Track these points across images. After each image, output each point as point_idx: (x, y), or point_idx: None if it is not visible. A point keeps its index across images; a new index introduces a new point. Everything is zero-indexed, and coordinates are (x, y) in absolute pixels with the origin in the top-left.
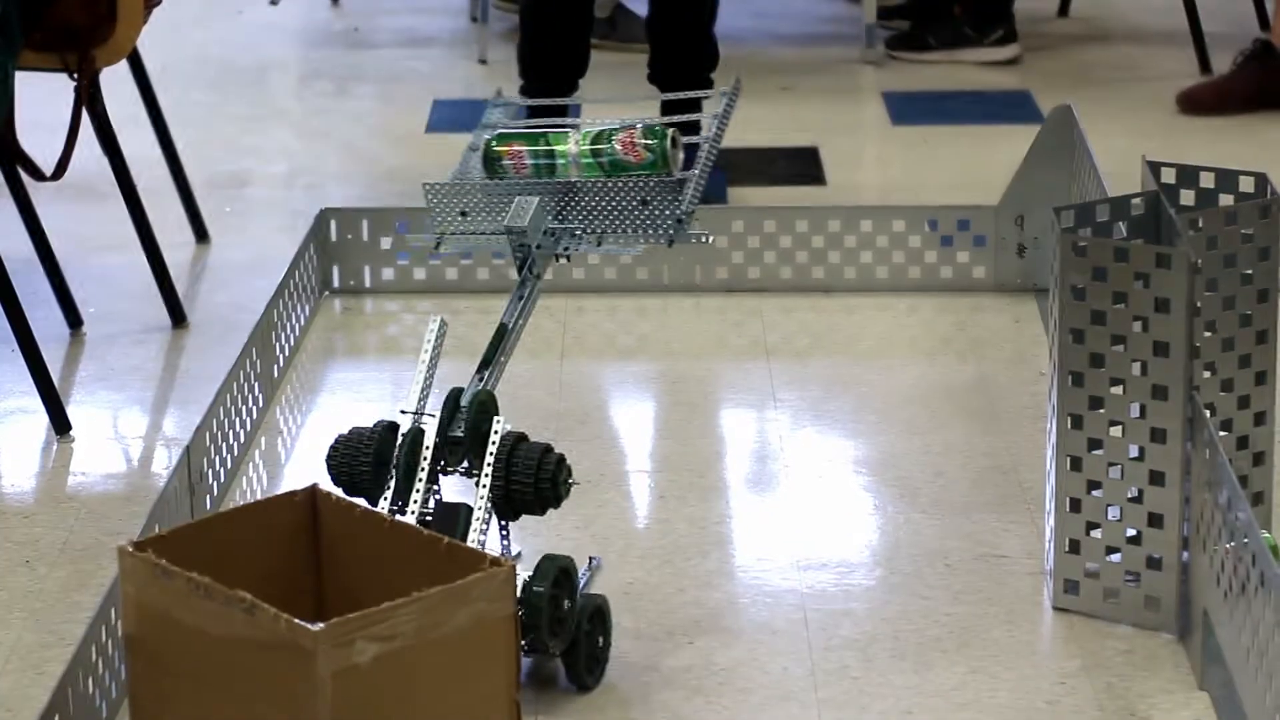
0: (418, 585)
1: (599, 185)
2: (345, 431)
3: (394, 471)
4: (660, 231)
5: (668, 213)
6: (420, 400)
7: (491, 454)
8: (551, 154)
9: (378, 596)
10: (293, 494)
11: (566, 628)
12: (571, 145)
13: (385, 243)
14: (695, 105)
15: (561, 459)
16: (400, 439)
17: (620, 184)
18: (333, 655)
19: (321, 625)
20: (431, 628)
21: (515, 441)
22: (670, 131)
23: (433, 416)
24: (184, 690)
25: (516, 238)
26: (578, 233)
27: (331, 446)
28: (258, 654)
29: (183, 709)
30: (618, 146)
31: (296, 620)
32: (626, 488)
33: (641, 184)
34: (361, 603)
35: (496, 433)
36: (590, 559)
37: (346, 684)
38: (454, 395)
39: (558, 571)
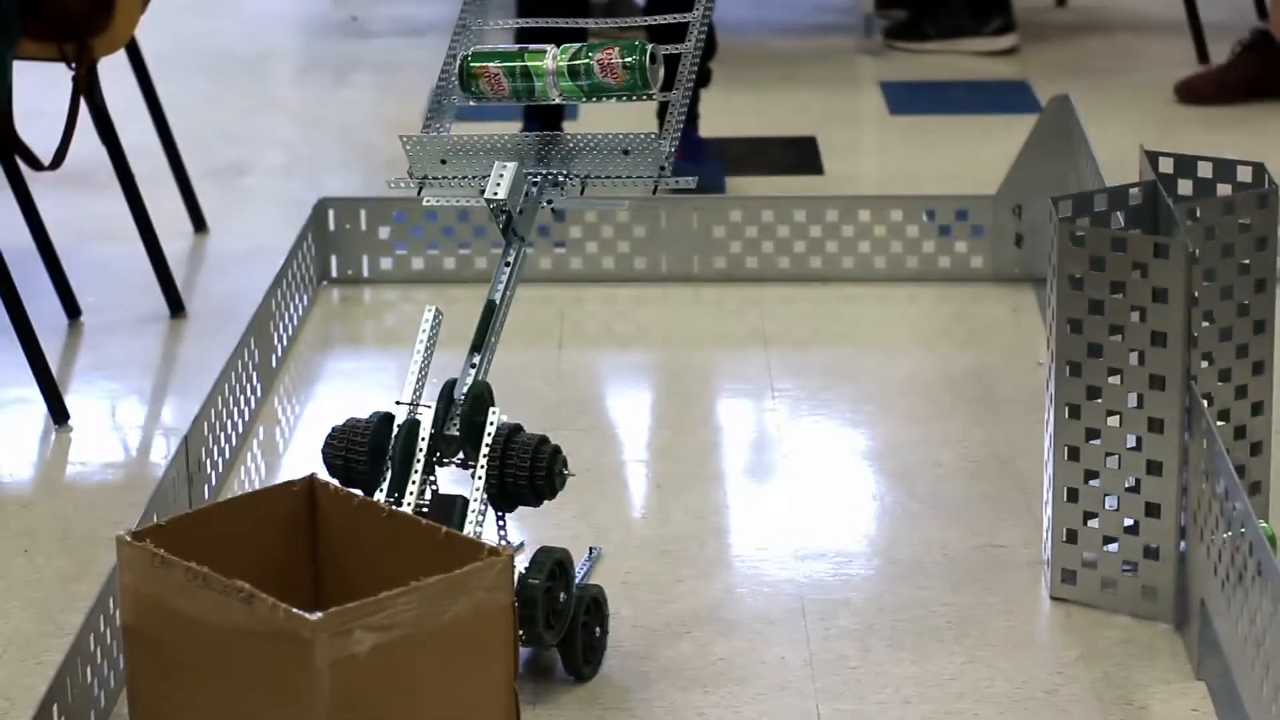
0: (416, 575)
1: (578, 138)
2: (341, 423)
3: (390, 463)
4: (645, 177)
5: (650, 160)
6: (416, 391)
7: (487, 445)
8: (529, 74)
9: (376, 586)
10: (291, 484)
11: (563, 620)
12: (549, 62)
13: (383, 232)
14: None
15: (557, 450)
16: (396, 430)
17: (600, 138)
18: (331, 645)
19: (319, 615)
20: (430, 617)
21: (511, 433)
22: (649, 48)
23: (428, 407)
24: (182, 680)
25: (496, 207)
26: (560, 180)
27: (327, 438)
28: (256, 643)
29: (181, 698)
30: (596, 68)
31: (294, 610)
32: (625, 478)
33: (623, 137)
34: (360, 592)
35: (492, 424)
36: (590, 549)
37: (344, 674)
38: (449, 386)
39: (553, 564)
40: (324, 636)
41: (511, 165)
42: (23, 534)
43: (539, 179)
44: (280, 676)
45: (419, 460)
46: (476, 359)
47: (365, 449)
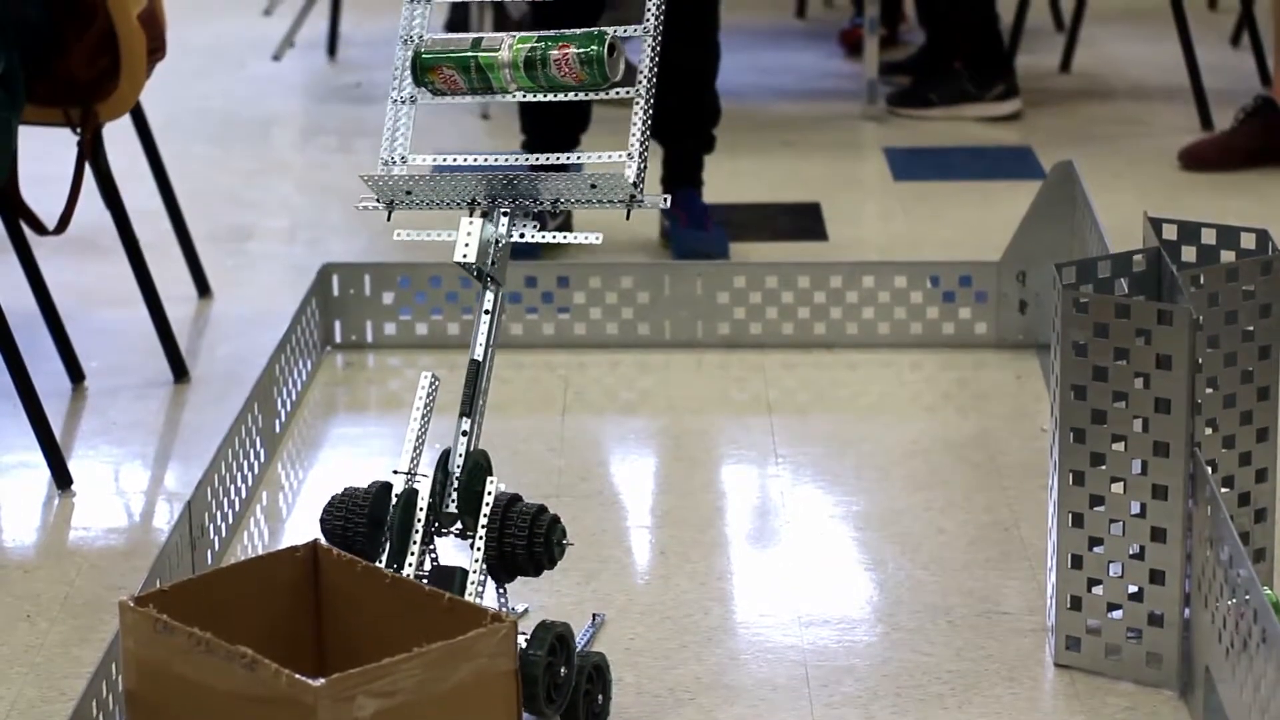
0: (419, 641)
1: (543, 175)
2: (339, 492)
3: (389, 533)
4: (615, 203)
5: (618, 189)
6: (413, 460)
7: (485, 516)
8: (484, 70)
9: (379, 652)
10: (294, 549)
11: (564, 693)
12: (504, 53)
13: (387, 298)
14: (696, 166)
15: (555, 519)
16: (394, 500)
17: (567, 178)
18: (334, 710)
19: (322, 680)
20: (433, 683)
21: (509, 503)
22: (608, 37)
23: (426, 476)
24: None
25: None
26: (530, 209)
27: (326, 507)
28: (259, 709)
29: None
30: (554, 69)
31: (297, 675)
32: (628, 544)
33: (590, 174)
34: (363, 658)
35: (490, 494)
36: (594, 616)
37: None
38: (445, 456)
39: (553, 639)
40: (327, 702)
41: (478, 222)
42: (26, 599)
43: (509, 210)
44: None
45: (417, 530)
46: (467, 425)
47: (364, 519)
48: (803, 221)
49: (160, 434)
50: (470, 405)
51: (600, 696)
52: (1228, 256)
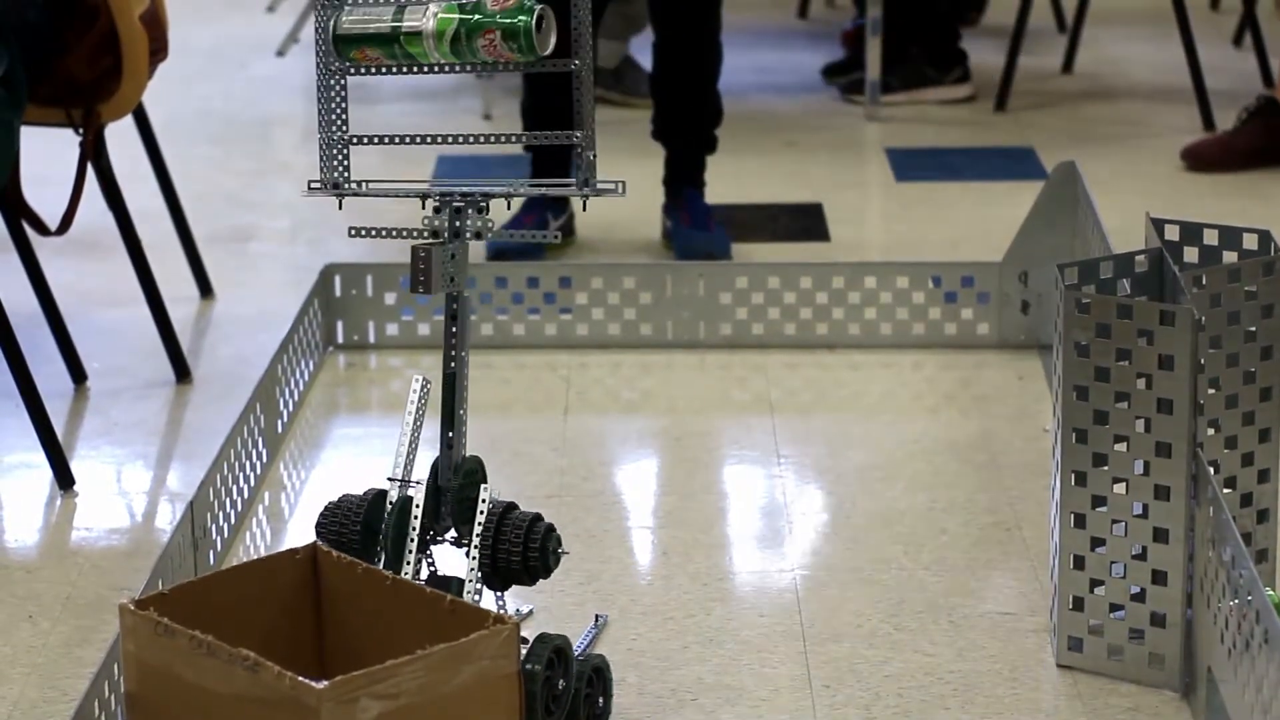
0: (421, 643)
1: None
2: (334, 500)
3: (384, 541)
4: (572, 188)
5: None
6: (406, 466)
7: (480, 524)
8: (408, 50)
9: (381, 654)
10: (294, 551)
11: (562, 704)
12: (429, 23)
13: (389, 298)
14: (698, 166)
15: (550, 529)
16: (389, 508)
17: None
18: (337, 713)
19: (325, 683)
20: (436, 685)
21: (504, 511)
22: (537, 9)
23: (420, 484)
24: None
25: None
26: (483, 204)
27: (321, 514)
28: (261, 712)
29: None
30: (482, 52)
31: (300, 678)
32: (630, 544)
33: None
34: (364, 660)
35: (484, 501)
36: (596, 617)
37: None
38: (437, 465)
39: (551, 652)
40: (330, 704)
41: (436, 249)
42: (28, 599)
43: (462, 204)
44: None
45: (413, 539)
46: (450, 434)
47: (359, 526)
48: (805, 222)
49: (162, 434)
50: (450, 418)
51: (601, 699)
52: (1230, 257)
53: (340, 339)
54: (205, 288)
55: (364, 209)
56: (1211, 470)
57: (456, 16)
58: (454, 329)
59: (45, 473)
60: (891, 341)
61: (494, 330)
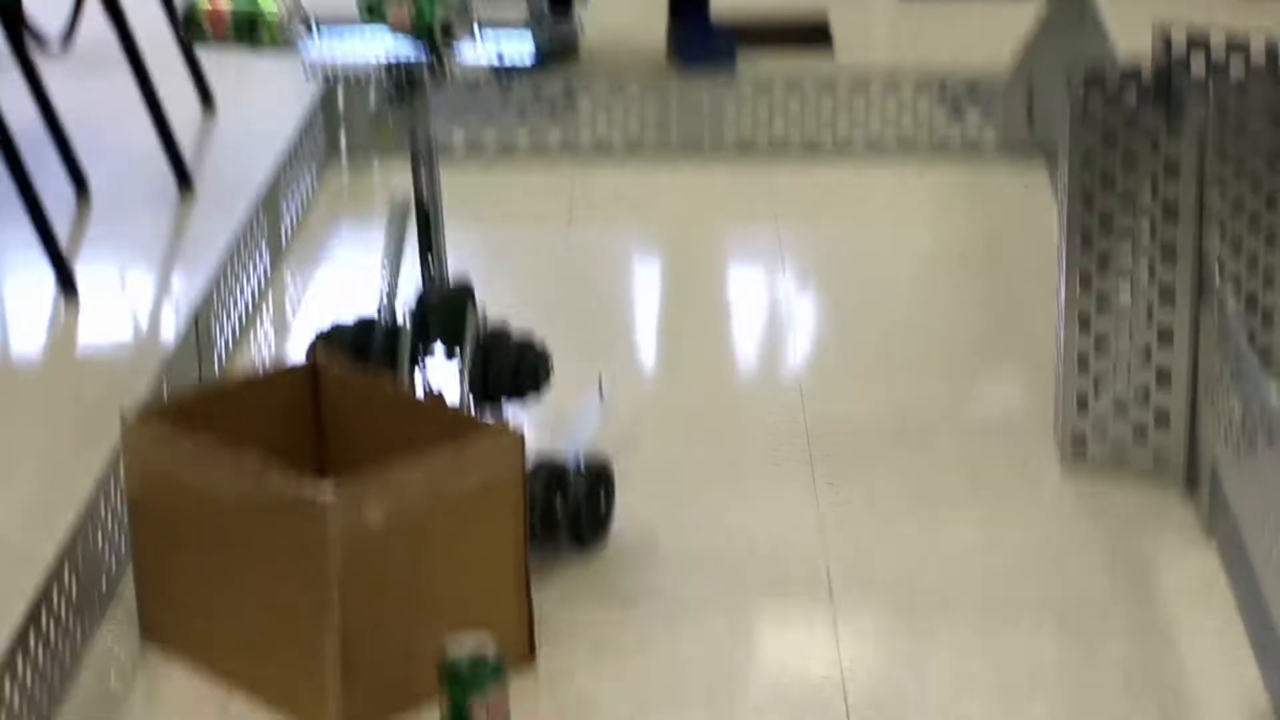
0: (424, 452)
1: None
2: (326, 328)
3: (374, 366)
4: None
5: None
6: (389, 292)
7: (469, 346)
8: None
9: (383, 464)
10: (294, 365)
11: (555, 520)
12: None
13: None
14: None
15: (541, 357)
16: (377, 335)
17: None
18: (344, 518)
19: (334, 486)
20: (439, 491)
21: (495, 334)
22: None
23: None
24: (189, 552)
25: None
26: (433, 64)
27: (310, 344)
28: (267, 516)
29: (188, 571)
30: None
31: (309, 482)
32: (635, 350)
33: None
34: (365, 467)
35: (472, 323)
36: (599, 381)
37: (357, 545)
38: (423, 296)
39: (549, 475)
40: (338, 508)
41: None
42: (35, 403)
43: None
44: (293, 548)
45: (404, 362)
46: (431, 261)
47: (350, 353)
48: (811, 36)
49: (166, 243)
50: (429, 247)
51: (604, 501)
52: (1237, 64)
53: (343, 149)
54: (207, 100)
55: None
56: (1217, 272)
57: None
58: (422, 169)
59: (49, 281)
60: (897, 150)
61: (497, 137)
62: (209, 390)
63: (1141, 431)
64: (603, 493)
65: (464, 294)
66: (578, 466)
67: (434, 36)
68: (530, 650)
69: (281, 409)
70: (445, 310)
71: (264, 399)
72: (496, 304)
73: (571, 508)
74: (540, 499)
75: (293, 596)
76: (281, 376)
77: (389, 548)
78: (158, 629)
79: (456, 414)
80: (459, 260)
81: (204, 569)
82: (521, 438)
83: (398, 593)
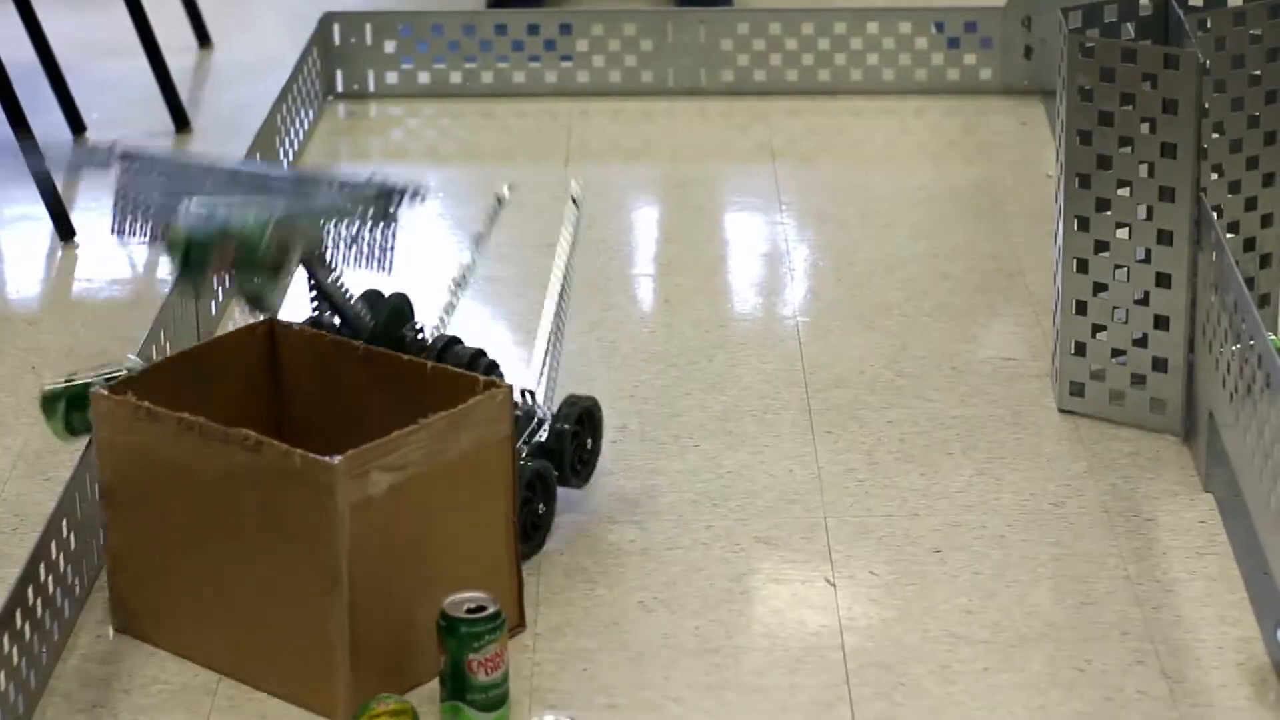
0: (406, 412)
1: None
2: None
3: None
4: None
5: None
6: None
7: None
8: None
9: (354, 425)
10: (252, 326)
11: (591, 465)
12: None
13: (389, 46)
14: None
15: (492, 365)
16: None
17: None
18: (350, 488)
19: (339, 457)
20: (438, 454)
21: (445, 346)
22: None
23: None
24: (172, 536)
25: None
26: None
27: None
28: (259, 492)
29: (171, 556)
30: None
31: (312, 454)
32: (632, 291)
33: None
34: (329, 433)
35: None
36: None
37: (363, 516)
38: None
39: (580, 412)
40: (344, 480)
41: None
42: (30, 351)
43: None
44: (296, 522)
45: None
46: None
47: None
48: None
49: None
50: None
51: (590, 441)
52: (1235, 0)
53: (340, 88)
54: (203, 37)
55: None
56: (1215, 215)
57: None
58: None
59: (45, 224)
60: (894, 87)
61: (494, 78)
62: (175, 357)
63: (1139, 377)
64: (588, 435)
65: (403, 308)
66: (558, 410)
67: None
68: (521, 620)
69: (241, 371)
70: (381, 325)
71: (223, 362)
72: (491, 245)
73: (553, 447)
74: (570, 435)
75: (295, 573)
76: (240, 338)
77: (392, 516)
78: (136, 620)
79: (435, 369)
80: (456, 200)
81: (189, 552)
82: (510, 392)
83: (400, 563)
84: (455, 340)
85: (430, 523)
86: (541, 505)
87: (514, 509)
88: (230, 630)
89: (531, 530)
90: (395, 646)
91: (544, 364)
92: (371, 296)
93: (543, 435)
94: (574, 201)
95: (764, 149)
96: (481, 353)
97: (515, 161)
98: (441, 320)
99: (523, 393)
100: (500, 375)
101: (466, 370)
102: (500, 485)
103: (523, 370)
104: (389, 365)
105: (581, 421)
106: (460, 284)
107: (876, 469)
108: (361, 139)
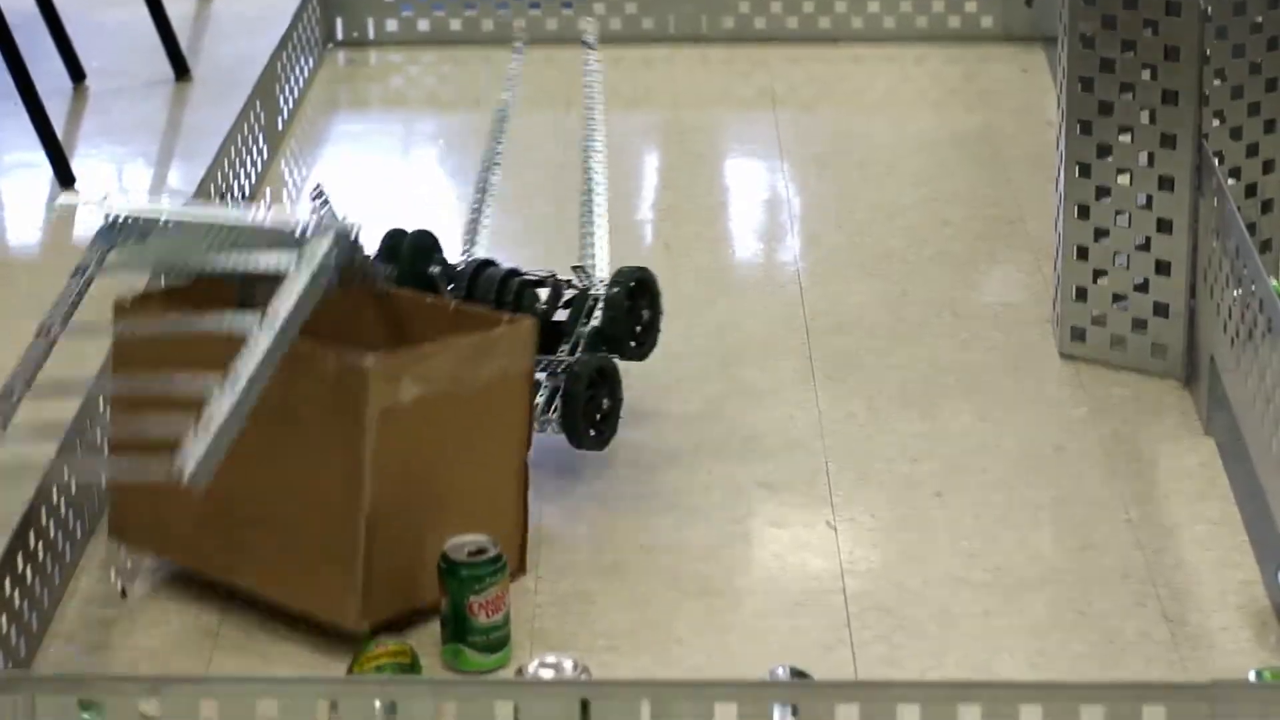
0: (440, 337)
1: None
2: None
3: None
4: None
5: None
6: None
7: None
8: None
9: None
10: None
11: (611, 425)
12: None
13: None
14: None
15: (524, 285)
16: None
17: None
18: (383, 390)
19: (371, 357)
20: (463, 377)
21: (476, 270)
22: None
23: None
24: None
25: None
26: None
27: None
28: (294, 388)
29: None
30: None
31: (344, 354)
32: (633, 238)
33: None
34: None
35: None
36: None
37: (390, 421)
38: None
39: (593, 372)
40: (377, 381)
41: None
42: (31, 296)
43: None
44: (320, 423)
45: None
46: None
47: None
48: None
49: (162, 133)
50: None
51: (607, 400)
52: None
53: (340, 35)
54: None
55: None
56: (1216, 161)
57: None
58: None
59: (45, 171)
60: (895, 34)
61: (495, 25)
62: (178, 288)
63: (1140, 322)
64: (606, 395)
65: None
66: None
67: None
68: (521, 565)
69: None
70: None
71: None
72: (494, 189)
73: (566, 410)
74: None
75: (317, 475)
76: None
77: (415, 429)
78: (133, 528)
79: (460, 309)
80: (458, 145)
81: None
82: (534, 325)
83: (417, 485)
84: (488, 263)
85: (449, 442)
86: (606, 400)
87: (528, 446)
88: (238, 535)
89: (601, 423)
90: (406, 565)
91: (592, 233)
92: (394, 235)
93: (597, 317)
94: (586, 45)
95: (765, 96)
96: (515, 271)
97: (517, 109)
98: (468, 243)
99: (574, 269)
100: (534, 295)
101: (499, 289)
102: (518, 418)
103: (570, 251)
104: (410, 303)
105: (595, 383)
106: (479, 205)
107: (878, 414)
108: (361, 86)
